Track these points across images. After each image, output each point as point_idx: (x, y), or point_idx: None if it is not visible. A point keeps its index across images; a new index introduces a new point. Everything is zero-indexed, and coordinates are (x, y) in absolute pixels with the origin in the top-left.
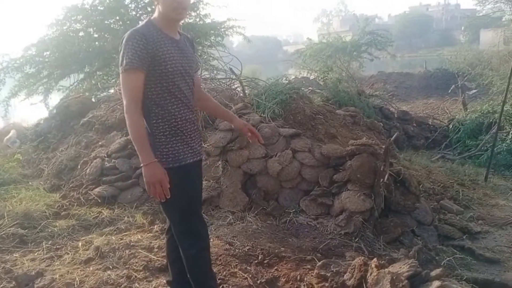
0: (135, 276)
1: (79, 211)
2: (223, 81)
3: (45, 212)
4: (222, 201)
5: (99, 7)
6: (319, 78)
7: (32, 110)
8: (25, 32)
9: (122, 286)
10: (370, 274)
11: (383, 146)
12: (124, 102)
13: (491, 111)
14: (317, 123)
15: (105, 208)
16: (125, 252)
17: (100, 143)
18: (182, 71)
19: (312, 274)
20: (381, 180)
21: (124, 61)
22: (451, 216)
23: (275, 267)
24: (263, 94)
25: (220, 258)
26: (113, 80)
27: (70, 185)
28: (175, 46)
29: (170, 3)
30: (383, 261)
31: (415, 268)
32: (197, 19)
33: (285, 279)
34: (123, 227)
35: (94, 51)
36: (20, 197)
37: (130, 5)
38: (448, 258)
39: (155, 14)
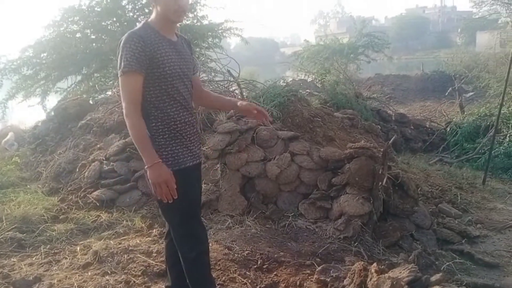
0: (134, 282)
1: (78, 214)
2: (221, 83)
3: (44, 216)
4: (220, 205)
5: (96, 8)
6: (317, 81)
7: (29, 112)
8: (22, 33)
9: None
10: (370, 279)
11: (381, 149)
12: (124, 105)
13: (488, 114)
14: (315, 126)
15: (103, 212)
16: (124, 257)
17: (98, 145)
18: (181, 73)
19: (311, 279)
20: (380, 183)
21: (122, 64)
22: (449, 220)
23: (275, 272)
24: (261, 96)
25: (219, 263)
26: (111, 82)
27: (68, 189)
28: (173, 48)
29: (172, 6)
30: (382, 266)
31: (415, 273)
32: (195, 21)
33: (284, 284)
34: (122, 231)
35: (92, 53)
36: (18, 200)
37: (127, 6)
38: (447, 263)
39: (152, 16)
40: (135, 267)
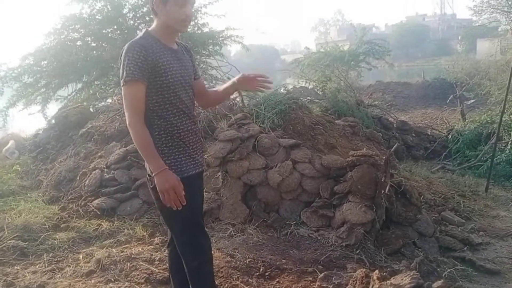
0: None
1: (79, 223)
2: None
3: (45, 225)
4: (222, 213)
5: (97, 17)
6: (318, 88)
7: (30, 120)
8: (22, 41)
9: None
10: (372, 286)
11: (383, 157)
12: (127, 114)
13: (489, 121)
14: (317, 134)
15: (104, 220)
16: (127, 265)
17: (99, 154)
18: (183, 82)
19: (313, 286)
20: (382, 191)
21: (125, 73)
22: (452, 227)
23: (277, 279)
24: (262, 104)
25: (222, 270)
26: (111, 90)
27: (69, 197)
28: (174, 56)
29: (179, 16)
30: (384, 273)
31: (417, 280)
32: (195, 28)
33: None
34: (123, 240)
35: (92, 61)
36: (19, 209)
37: (128, 15)
38: (449, 270)
39: (154, 25)
40: (138, 275)
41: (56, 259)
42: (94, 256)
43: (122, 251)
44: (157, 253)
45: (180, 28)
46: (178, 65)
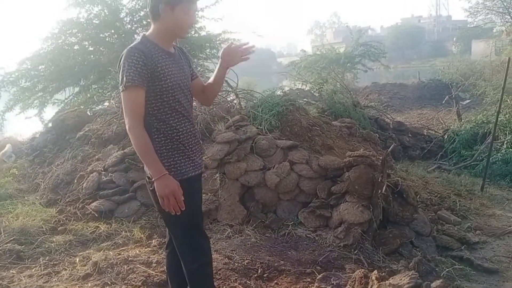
0: None
1: (76, 226)
2: (219, 94)
3: (42, 228)
4: (220, 214)
5: (94, 21)
6: (314, 90)
7: (27, 124)
8: (20, 46)
9: None
10: (371, 287)
11: (380, 157)
12: (127, 120)
13: (485, 121)
14: (314, 135)
15: (102, 223)
16: (124, 268)
17: (96, 157)
18: (181, 85)
19: (312, 287)
20: (379, 191)
21: (125, 79)
22: (449, 226)
23: (275, 281)
24: (259, 106)
25: (220, 272)
26: (108, 93)
27: (67, 200)
28: (172, 60)
29: (185, 23)
30: (383, 273)
31: (415, 279)
32: (192, 32)
33: None
34: (121, 242)
35: (89, 65)
36: (16, 212)
37: (125, 19)
38: (447, 269)
39: (152, 30)
40: (135, 278)
41: (52, 263)
42: (91, 259)
43: (119, 254)
44: (154, 256)
45: (183, 35)
46: (176, 69)
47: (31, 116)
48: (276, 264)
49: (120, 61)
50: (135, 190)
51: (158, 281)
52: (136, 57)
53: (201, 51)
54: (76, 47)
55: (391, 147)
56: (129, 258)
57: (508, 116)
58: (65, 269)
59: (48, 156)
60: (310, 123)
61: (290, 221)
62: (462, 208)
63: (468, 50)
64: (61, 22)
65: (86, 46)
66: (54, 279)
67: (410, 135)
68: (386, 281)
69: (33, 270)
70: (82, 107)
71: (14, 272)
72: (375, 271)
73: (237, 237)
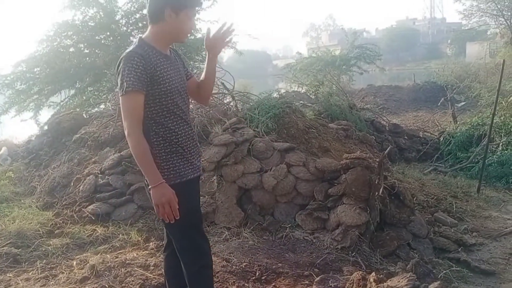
0: None
1: (73, 229)
2: (216, 96)
3: (39, 231)
4: (217, 217)
5: (89, 23)
6: (310, 92)
7: (22, 127)
8: (15, 48)
9: None
10: None
11: (377, 160)
12: (125, 124)
13: (480, 123)
14: (311, 137)
15: (99, 226)
16: (121, 271)
17: (93, 159)
18: (179, 88)
19: None
20: (376, 193)
21: (125, 84)
22: (445, 228)
23: (273, 283)
24: (256, 108)
25: (218, 275)
26: (104, 96)
27: (63, 203)
28: (169, 63)
29: (187, 27)
30: (381, 275)
31: (413, 281)
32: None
33: None
34: (118, 245)
35: (85, 67)
36: (12, 215)
37: (121, 21)
38: (444, 271)
39: (149, 32)
40: (132, 281)
41: (49, 266)
42: (88, 262)
43: (117, 257)
44: (152, 258)
45: (183, 39)
46: (174, 72)
47: (27, 119)
48: (274, 266)
49: (118, 65)
50: (132, 193)
51: (156, 284)
52: (136, 61)
53: (197, 54)
54: (71, 49)
55: (388, 149)
56: (127, 261)
57: (503, 118)
58: (62, 273)
59: (44, 159)
60: (307, 126)
61: (287, 224)
62: (459, 210)
63: (462, 52)
64: (57, 24)
65: (82, 49)
66: (51, 283)
67: (406, 137)
68: (384, 283)
69: (30, 274)
70: (78, 109)
71: (11, 275)
72: (373, 273)
73: (235, 239)
